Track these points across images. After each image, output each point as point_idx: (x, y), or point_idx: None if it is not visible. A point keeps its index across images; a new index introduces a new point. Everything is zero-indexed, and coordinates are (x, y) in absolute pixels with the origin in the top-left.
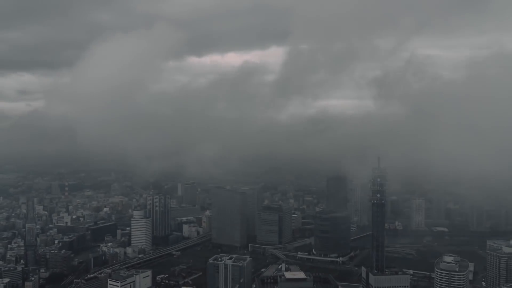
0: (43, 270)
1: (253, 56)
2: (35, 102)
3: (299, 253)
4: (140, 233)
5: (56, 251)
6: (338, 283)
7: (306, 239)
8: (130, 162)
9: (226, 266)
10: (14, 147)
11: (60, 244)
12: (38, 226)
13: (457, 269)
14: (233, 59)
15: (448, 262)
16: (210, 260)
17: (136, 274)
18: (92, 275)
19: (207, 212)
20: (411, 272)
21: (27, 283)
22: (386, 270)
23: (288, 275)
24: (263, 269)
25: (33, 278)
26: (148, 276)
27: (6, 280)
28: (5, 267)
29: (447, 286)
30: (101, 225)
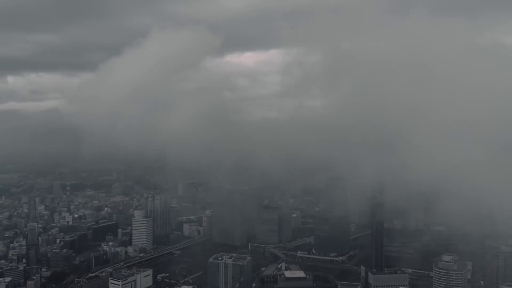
0: (44, 269)
1: (269, 56)
2: (45, 103)
3: (298, 252)
4: (141, 232)
5: (57, 250)
6: (337, 282)
7: (305, 238)
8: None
9: (226, 265)
10: (18, 147)
11: (62, 243)
12: (39, 225)
13: (455, 268)
14: (248, 59)
15: (446, 261)
16: (211, 259)
17: (137, 273)
18: (94, 274)
19: (208, 212)
20: (410, 271)
21: (29, 282)
22: (385, 269)
23: (288, 274)
24: (263, 268)
25: (34, 277)
26: (149, 275)
27: (8, 279)
28: (7, 266)
29: (445, 285)
30: (102, 224)
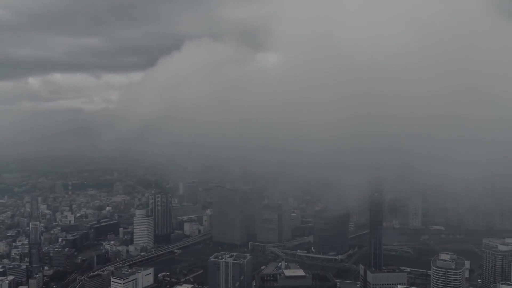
0: (47, 268)
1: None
2: (73, 101)
3: (298, 251)
4: (142, 232)
5: (59, 249)
6: (336, 280)
7: (305, 237)
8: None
9: (226, 264)
10: (21, 146)
11: (64, 242)
12: (42, 224)
13: (453, 267)
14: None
15: (444, 260)
16: (211, 258)
17: (138, 272)
18: (95, 272)
19: (208, 211)
20: (408, 269)
21: (31, 281)
22: (384, 268)
23: (288, 272)
24: (263, 267)
25: (37, 275)
26: (150, 273)
27: (11, 277)
28: (10, 265)
29: (443, 283)
30: (104, 223)
